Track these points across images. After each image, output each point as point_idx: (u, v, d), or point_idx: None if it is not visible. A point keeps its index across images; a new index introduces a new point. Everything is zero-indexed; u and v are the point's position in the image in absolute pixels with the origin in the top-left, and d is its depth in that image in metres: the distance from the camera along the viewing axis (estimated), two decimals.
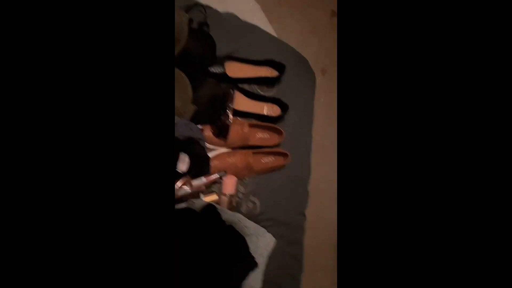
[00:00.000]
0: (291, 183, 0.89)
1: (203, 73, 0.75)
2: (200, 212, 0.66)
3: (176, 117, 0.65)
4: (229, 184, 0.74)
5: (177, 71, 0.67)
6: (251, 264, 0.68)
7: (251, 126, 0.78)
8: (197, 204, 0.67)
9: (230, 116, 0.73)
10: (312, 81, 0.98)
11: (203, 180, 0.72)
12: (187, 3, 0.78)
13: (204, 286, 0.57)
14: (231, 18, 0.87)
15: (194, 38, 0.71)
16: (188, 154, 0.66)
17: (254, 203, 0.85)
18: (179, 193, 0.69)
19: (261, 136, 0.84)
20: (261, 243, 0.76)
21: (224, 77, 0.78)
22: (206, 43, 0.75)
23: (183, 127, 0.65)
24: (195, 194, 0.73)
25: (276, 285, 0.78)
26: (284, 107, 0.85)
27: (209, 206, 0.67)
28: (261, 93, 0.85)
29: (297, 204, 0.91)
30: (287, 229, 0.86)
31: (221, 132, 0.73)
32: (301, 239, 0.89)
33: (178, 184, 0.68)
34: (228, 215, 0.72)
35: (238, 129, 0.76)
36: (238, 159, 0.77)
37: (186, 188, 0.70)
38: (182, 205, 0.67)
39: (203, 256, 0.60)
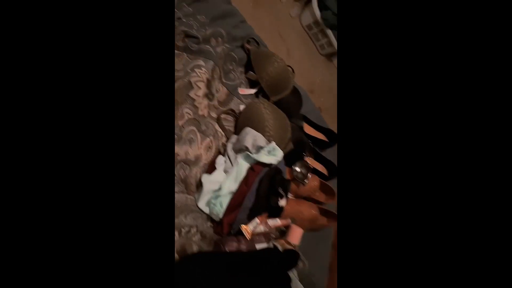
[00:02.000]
0: (327, 247, 0.88)
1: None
2: (283, 255, 0.59)
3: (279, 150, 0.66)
4: (297, 234, 0.71)
5: (281, 112, 0.73)
6: None
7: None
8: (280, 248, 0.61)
9: (311, 164, 0.77)
10: None
11: (278, 222, 0.67)
12: None
13: None
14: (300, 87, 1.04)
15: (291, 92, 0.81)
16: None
17: (304, 262, 0.79)
18: (256, 230, 0.62)
19: (317, 194, 0.87)
20: None
21: (302, 130, 0.86)
22: (296, 99, 0.86)
23: (283, 164, 0.66)
24: (266, 235, 0.66)
25: None
26: (334, 171, 0.93)
27: (292, 252, 0.61)
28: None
29: (325, 269, 0.88)
30: None
31: (301, 178, 0.74)
32: None
33: (257, 221, 0.63)
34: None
35: (311, 180, 0.78)
36: (305, 208, 0.76)
37: (261, 227, 0.64)
38: (264, 245, 0.60)
39: None
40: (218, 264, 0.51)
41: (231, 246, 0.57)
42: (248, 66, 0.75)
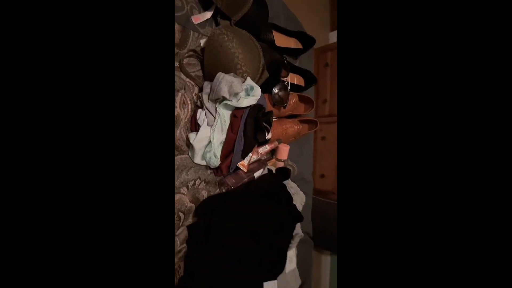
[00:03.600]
0: (310, 149, 1.03)
1: (257, 39, 0.72)
2: (276, 173, 0.71)
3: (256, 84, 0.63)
4: (284, 151, 0.80)
5: (248, 37, 0.63)
6: (299, 217, 0.79)
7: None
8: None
9: (288, 82, 0.75)
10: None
11: (267, 148, 0.74)
12: None
13: (269, 229, 0.64)
14: None
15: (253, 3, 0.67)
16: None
17: (292, 167, 0.94)
18: (251, 161, 0.70)
19: (298, 108, 0.90)
20: (298, 199, 0.89)
21: (272, 45, 0.78)
22: (261, 9, 0.72)
23: (261, 96, 0.64)
24: (259, 161, 0.75)
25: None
26: (312, 79, 0.93)
27: (283, 169, 0.72)
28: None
29: (310, 165, 1.07)
30: (308, 186, 1.02)
31: (281, 101, 0.75)
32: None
33: (250, 154, 0.69)
34: None
35: (291, 99, 0.80)
36: (289, 127, 0.82)
37: (254, 157, 0.72)
38: (265, 171, 0.69)
39: (273, 207, 0.68)
40: (228, 198, 0.61)
41: (232, 181, 0.66)
42: None
